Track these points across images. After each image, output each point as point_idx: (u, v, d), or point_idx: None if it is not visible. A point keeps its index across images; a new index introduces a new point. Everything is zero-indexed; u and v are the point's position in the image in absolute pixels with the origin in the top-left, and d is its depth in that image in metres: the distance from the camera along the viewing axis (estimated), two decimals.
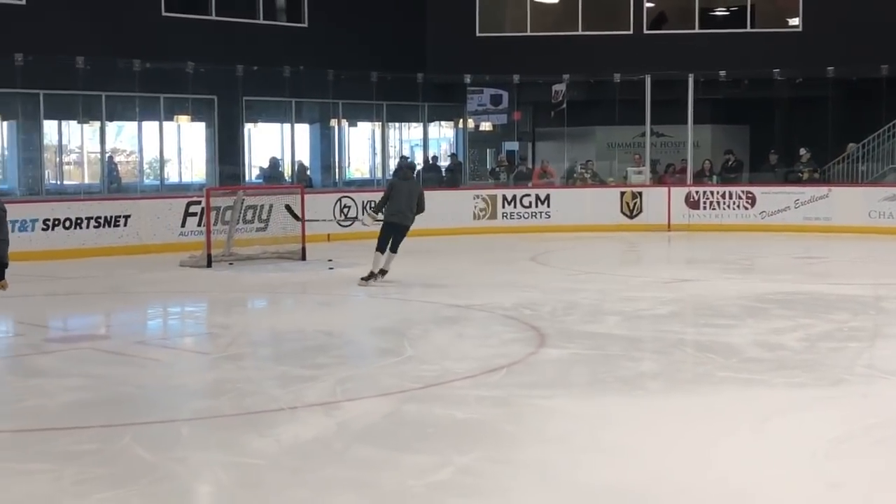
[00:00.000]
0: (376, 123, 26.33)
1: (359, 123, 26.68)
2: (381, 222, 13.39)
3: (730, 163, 23.47)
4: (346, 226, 18.02)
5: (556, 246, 18.50)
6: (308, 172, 24.45)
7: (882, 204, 20.42)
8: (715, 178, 23.07)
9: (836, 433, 6.42)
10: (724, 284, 13.46)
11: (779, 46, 24.59)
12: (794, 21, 25.28)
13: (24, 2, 20.33)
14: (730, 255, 17.13)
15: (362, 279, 13.28)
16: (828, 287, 13.03)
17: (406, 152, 27.33)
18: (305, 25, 24.24)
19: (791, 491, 5.46)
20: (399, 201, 13.19)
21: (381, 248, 13.27)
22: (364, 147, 27.28)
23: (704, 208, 21.73)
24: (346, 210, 20.07)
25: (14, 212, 16.35)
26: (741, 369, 8.26)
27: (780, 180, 22.67)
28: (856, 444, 6.25)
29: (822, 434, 6.40)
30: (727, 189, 21.88)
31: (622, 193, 22.14)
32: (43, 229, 16.62)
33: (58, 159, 22.37)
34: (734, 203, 21.61)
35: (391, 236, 13.20)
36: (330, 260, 15.85)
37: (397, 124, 27.79)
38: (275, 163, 23.44)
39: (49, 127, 21.87)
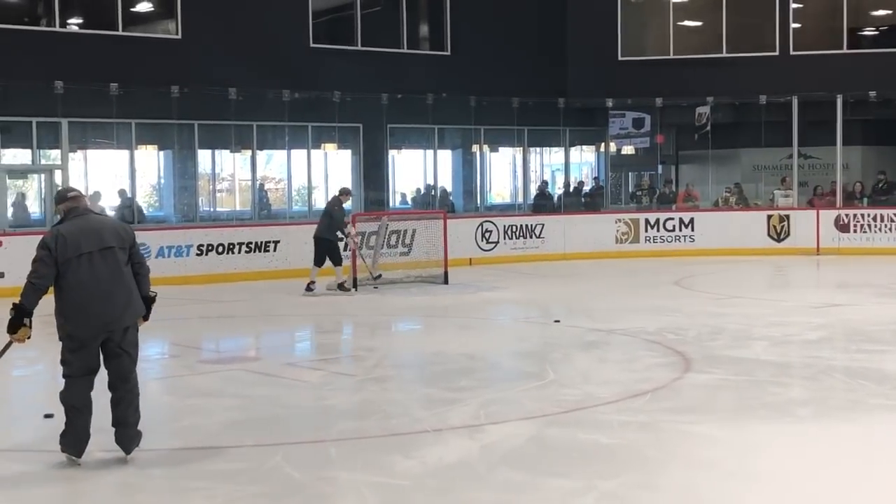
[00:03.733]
0: (517, 148, 26.44)
1: (500, 149, 26.82)
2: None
3: (881, 184, 22.79)
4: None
5: (700, 269, 18.24)
6: (450, 198, 24.72)
7: None
8: (865, 200, 22.41)
9: None
10: (876, 309, 13.07)
11: None
12: None
13: (179, 36, 21.17)
14: (881, 279, 16.60)
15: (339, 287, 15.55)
16: None
17: (547, 177, 27.35)
18: (448, 53, 24.52)
19: None
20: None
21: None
22: (505, 172, 27.41)
23: (854, 231, 21.13)
24: (487, 234, 20.22)
25: (170, 237, 17.17)
26: (894, 396, 8.02)
27: None
28: None
29: None
30: (878, 212, 21.24)
31: (769, 216, 21.70)
32: (197, 254, 17.22)
33: (211, 187, 23.13)
34: (886, 226, 20.95)
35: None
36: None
37: (538, 149, 27.84)
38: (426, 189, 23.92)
39: (203, 156, 22.63)
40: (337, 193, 16.43)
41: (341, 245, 15.84)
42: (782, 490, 5.81)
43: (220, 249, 17.42)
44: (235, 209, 23.15)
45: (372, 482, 6.05)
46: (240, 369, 9.68)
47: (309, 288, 15.45)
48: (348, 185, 23.75)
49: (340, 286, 15.59)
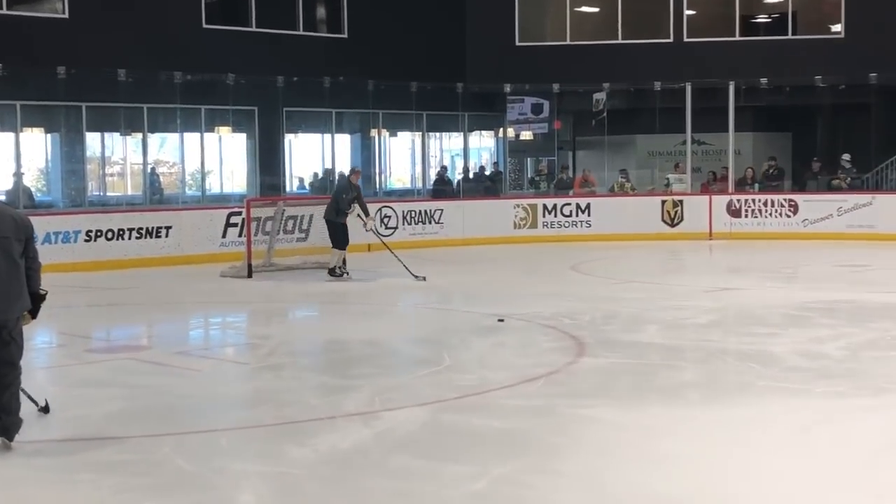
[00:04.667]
0: (416, 133, 26.39)
1: (399, 133, 26.75)
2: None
3: (772, 170, 23.28)
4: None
5: (596, 255, 18.43)
6: None
7: None
8: (757, 186, 22.90)
9: (879, 443, 6.34)
10: (766, 293, 13.34)
11: (821, 53, 24.35)
12: (837, 28, 25.01)
13: (66, 15, 20.58)
14: (772, 264, 16.98)
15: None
16: (871, 295, 12.88)
17: (446, 162, 27.36)
18: (345, 36, 24.33)
19: (835, 501, 5.39)
20: None
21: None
22: (404, 157, 27.34)
23: (746, 216, 21.58)
24: (386, 220, 20.14)
25: (57, 223, 16.68)
26: (783, 379, 8.18)
27: (823, 188, 22.46)
28: None
29: (865, 444, 6.32)
30: (769, 197, 21.71)
31: (663, 202, 22.02)
32: (85, 240, 16.77)
33: (101, 171, 22.60)
34: (776, 211, 21.43)
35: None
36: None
37: (437, 134, 27.81)
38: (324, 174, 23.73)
39: (92, 139, 22.09)
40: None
41: (364, 229, 15.45)
42: (677, 472, 5.86)
43: (110, 235, 17.01)
44: (126, 194, 22.65)
45: (264, 472, 5.98)
46: (129, 358, 9.46)
47: (332, 272, 15.12)
48: (244, 167, 23.50)
49: (331, 271, 15.14)
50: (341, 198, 15.14)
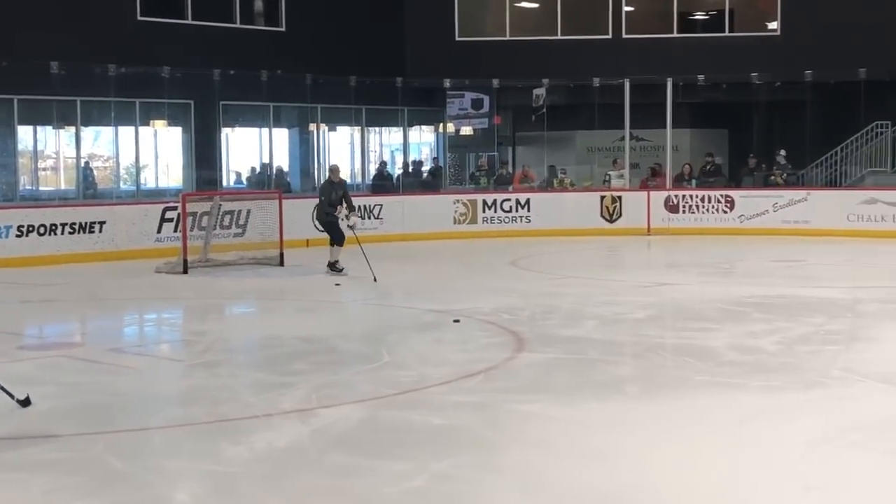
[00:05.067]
0: (355, 128, 26.27)
1: (338, 128, 26.61)
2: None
3: (709, 167, 23.52)
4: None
5: (536, 250, 18.47)
6: (287, 177, 24.38)
7: (860, 207, 20.49)
8: (694, 181, 23.11)
9: (811, 436, 6.41)
10: (703, 288, 13.46)
11: (757, 50, 24.66)
12: (773, 25, 25.34)
13: None
14: (709, 259, 17.15)
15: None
16: (805, 290, 13.04)
17: (386, 157, 27.28)
18: (283, 29, 24.14)
19: (766, 494, 5.44)
20: None
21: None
22: (344, 151, 27.20)
23: (684, 212, 21.76)
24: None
25: None
26: (718, 373, 8.24)
27: (759, 184, 22.74)
28: (831, 446, 6.24)
29: (798, 437, 6.38)
30: (706, 193, 21.92)
31: (602, 198, 22.15)
32: (17, 236, 16.47)
33: (33, 165, 22.22)
34: (713, 207, 21.65)
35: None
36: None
37: (377, 129, 27.72)
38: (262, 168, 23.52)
39: (24, 132, 21.69)
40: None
41: (343, 223, 15.08)
42: (613, 466, 5.88)
43: (42, 230, 16.70)
44: (59, 188, 22.29)
45: (198, 470, 5.90)
46: (61, 356, 9.29)
47: (332, 267, 15.00)
48: (179, 162, 23.18)
49: (332, 266, 15.01)
50: (328, 199, 15.05)
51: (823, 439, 6.36)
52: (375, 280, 14.09)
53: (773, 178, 22.65)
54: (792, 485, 5.56)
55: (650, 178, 23.68)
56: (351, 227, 14.96)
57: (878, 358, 8.95)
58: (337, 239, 15.05)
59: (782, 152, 23.00)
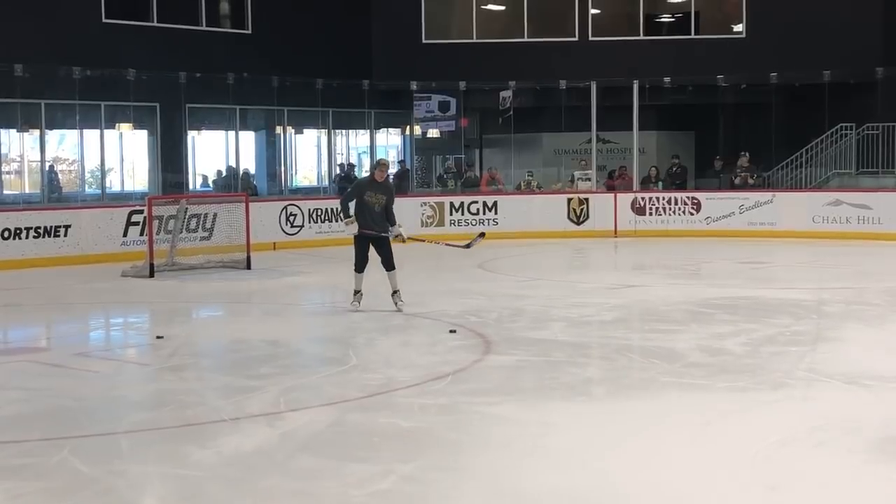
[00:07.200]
0: (322, 130, 26.22)
1: (305, 130, 26.55)
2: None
3: (675, 169, 23.65)
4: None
5: (503, 253, 18.48)
6: (254, 180, 24.29)
7: (825, 209, 20.66)
8: (660, 184, 23.23)
9: (776, 437, 6.45)
10: (669, 290, 13.51)
11: (723, 53, 24.84)
12: (738, 28, 25.54)
13: None
14: (675, 261, 17.24)
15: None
16: (771, 292, 13.15)
17: (353, 159, 27.23)
18: (249, 32, 24.06)
19: (731, 494, 5.48)
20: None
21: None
22: (310, 154, 27.15)
23: (650, 214, 21.86)
24: (292, 218, 19.96)
25: None
26: (684, 374, 8.29)
27: (725, 186, 22.89)
28: (796, 447, 6.29)
29: (763, 437, 6.42)
30: (672, 195, 22.04)
31: (569, 200, 22.22)
32: None
33: None
34: (679, 209, 21.76)
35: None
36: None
37: (344, 131, 27.66)
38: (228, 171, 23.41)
39: None
40: None
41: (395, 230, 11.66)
42: (578, 467, 5.91)
43: (6, 234, 16.54)
44: (24, 192, 22.10)
45: (165, 474, 5.87)
46: (26, 360, 9.22)
47: (396, 297, 11.66)
48: (145, 165, 23.00)
49: (395, 294, 11.71)
50: (345, 202, 11.81)
51: (789, 439, 6.40)
52: (469, 246, 12.15)
53: (739, 179, 22.73)
54: (758, 485, 5.60)
55: (613, 178, 23.80)
56: (400, 237, 11.74)
57: (843, 358, 9.02)
58: (356, 262, 11.59)
59: (745, 154, 23.16)
